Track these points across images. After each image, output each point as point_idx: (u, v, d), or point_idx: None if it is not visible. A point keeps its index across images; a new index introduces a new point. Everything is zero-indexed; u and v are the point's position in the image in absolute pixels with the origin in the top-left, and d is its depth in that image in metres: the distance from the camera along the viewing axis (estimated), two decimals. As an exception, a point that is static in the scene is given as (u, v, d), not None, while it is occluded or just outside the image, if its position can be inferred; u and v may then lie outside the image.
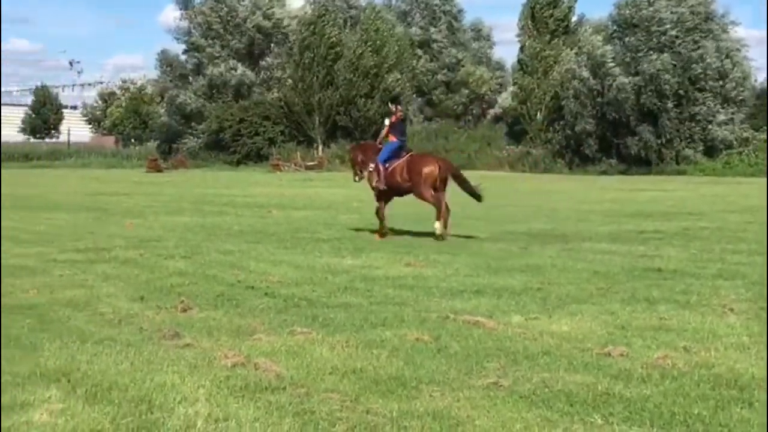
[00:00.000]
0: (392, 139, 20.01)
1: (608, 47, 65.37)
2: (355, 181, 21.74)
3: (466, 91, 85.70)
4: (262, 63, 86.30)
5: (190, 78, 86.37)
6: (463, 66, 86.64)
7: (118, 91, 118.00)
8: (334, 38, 78.17)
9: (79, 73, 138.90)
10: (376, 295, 11.69)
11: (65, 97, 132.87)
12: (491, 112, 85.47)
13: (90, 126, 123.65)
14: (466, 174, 20.64)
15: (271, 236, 19.56)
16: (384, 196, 20.23)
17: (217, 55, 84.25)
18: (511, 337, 9.11)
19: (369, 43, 77.36)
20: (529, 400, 7.01)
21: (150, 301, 11.30)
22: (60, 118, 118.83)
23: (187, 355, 8.34)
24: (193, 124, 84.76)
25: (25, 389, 7.22)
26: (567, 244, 17.61)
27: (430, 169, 19.36)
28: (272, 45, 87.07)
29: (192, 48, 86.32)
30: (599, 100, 64.17)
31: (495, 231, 20.44)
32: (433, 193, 19.19)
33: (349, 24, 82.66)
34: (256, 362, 8.01)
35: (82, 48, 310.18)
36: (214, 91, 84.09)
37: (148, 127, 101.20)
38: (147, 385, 7.32)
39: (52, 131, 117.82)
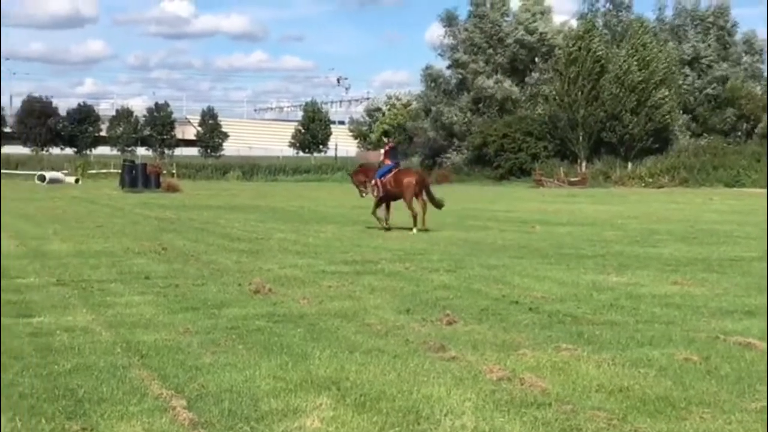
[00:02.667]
0: (387, 162, 26.34)
1: None
2: (362, 197, 27.87)
3: (734, 108, 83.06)
4: (527, 79, 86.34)
5: (455, 93, 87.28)
6: (731, 81, 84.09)
7: (383, 107, 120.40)
8: (600, 53, 77.33)
9: (346, 89, 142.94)
10: (642, 314, 11.48)
11: (333, 112, 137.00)
12: (761, 127, 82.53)
13: (356, 141, 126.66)
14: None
15: (535, 252, 19.50)
16: (383, 202, 26.03)
17: (481, 70, 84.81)
18: (785, 361, 8.76)
19: (636, 58, 76.12)
20: (806, 427, 6.72)
21: (415, 313, 11.44)
22: (328, 133, 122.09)
23: (453, 368, 8.40)
24: (455, 140, 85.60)
25: (298, 396, 7.43)
26: None
27: (408, 180, 25.53)
28: (536, 59, 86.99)
29: (456, 64, 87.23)
30: None
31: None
32: (414, 200, 25.30)
33: (616, 39, 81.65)
34: (522, 377, 7.99)
35: (351, 65, 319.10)
36: (479, 105, 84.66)
37: (412, 141, 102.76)
38: (414, 396, 7.41)
39: (321, 146, 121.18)
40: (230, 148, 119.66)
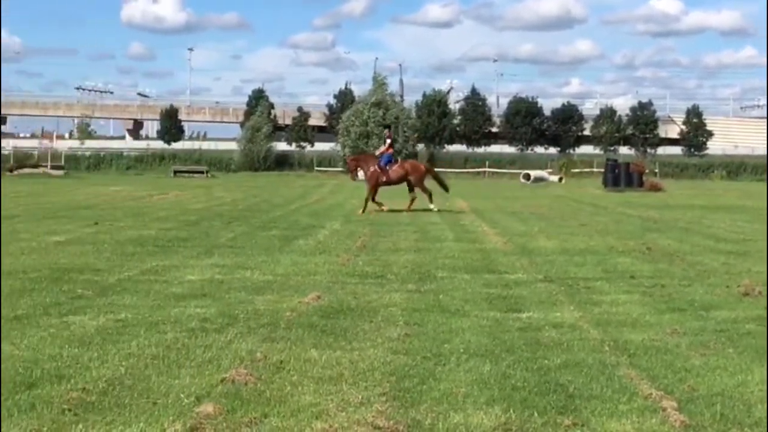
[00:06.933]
0: (389, 151, 32.53)
1: None
2: (353, 180, 37.46)
3: None
4: None
5: None
6: None
7: None
8: None
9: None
10: None
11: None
12: None
13: None
14: None
15: None
16: (379, 186, 31.31)
17: None
18: None
19: None
20: None
21: None
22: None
23: None
24: None
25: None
26: None
27: (421, 169, 32.55)
28: None
29: None
30: None
31: None
32: (423, 184, 31.88)
33: None
34: None
35: None
36: None
37: None
38: None
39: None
40: (715, 147, 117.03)
